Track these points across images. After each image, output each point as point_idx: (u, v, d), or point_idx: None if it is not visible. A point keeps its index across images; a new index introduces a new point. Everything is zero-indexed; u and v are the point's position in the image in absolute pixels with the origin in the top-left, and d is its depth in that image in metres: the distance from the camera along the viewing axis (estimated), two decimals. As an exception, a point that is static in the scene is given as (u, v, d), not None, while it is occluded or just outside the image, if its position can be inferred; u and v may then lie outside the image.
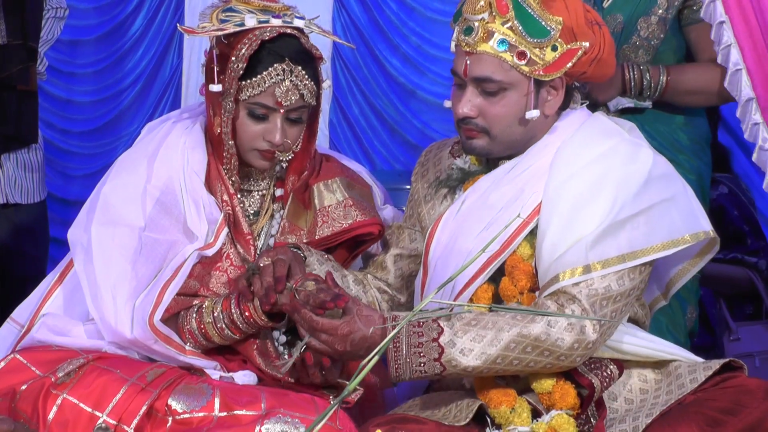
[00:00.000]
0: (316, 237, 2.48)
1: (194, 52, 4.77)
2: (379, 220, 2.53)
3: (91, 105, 4.83)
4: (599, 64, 2.28)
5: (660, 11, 2.80)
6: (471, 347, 2.09)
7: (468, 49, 2.25)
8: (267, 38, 2.32)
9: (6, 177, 3.42)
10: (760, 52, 2.53)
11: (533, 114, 2.25)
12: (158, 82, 4.83)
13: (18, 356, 2.22)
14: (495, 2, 2.22)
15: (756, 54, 2.53)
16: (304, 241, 2.46)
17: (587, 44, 2.24)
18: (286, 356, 2.31)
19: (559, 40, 2.23)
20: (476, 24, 2.23)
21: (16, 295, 2.52)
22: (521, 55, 2.22)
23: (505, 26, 2.22)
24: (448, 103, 2.37)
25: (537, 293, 2.23)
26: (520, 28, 2.21)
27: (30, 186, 3.51)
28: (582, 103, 2.38)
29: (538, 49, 2.22)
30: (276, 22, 2.35)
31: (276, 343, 2.35)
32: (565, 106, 2.34)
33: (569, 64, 2.24)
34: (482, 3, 2.22)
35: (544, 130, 2.32)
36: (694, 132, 2.91)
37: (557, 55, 2.23)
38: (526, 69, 2.23)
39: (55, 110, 4.85)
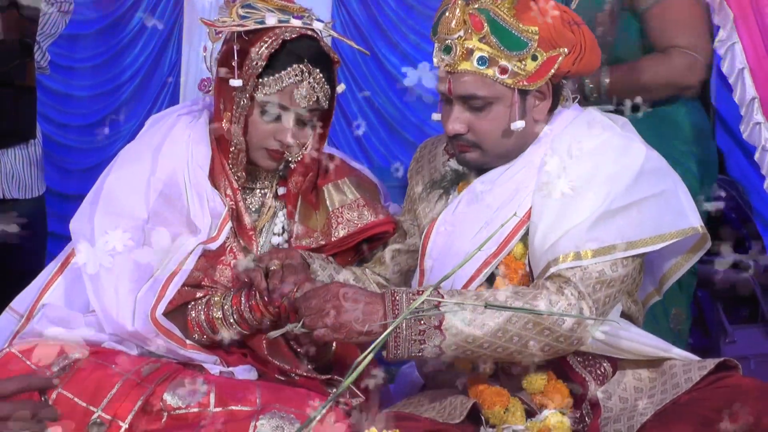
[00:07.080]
0: (332, 239, 2.48)
1: (193, 47, 4.76)
2: (391, 219, 2.53)
3: (90, 99, 4.81)
4: (582, 61, 2.28)
5: (607, 5, 2.74)
6: (473, 317, 2.08)
7: (449, 69, 2.24)
8: (288, 38, 2.31)
9: (4, 172, 3.41)
10: (759, 52, 2.54)
11: (518, 125, 2.25)
12: (157, 77, 4.81)
13: (13, 350, 2.22)
14: (469, 19, 2.21)
15: (756, 54, 2.54)
16: (321, 242, 2.47)
17: (566, 50, 2.23)
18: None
19: (538, 49, 2.22)
20: (454, 43, 2.23)
21: (13, 289, 2.51)
22: (503, 69, 2.22)
23: (482, 42, 2.22)
24: (436, 116, 2.36)
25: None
26: (497, 42, 2.21)
27: (28, 181, 3.50)
28: (574, 98, 2.38)
29: (518, 61, 2.22)
30: (296, 22, 2.35)
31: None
32: (554, 106, 2.33)
33: (552, 71, 2.24)
34: (456, 21, 2.21)
35: (536, 134, 2.31)
36: (693, 117, 2.87)
37: (538, 64, 2.23)
38: (509, 81, 2.23)
39: (54, 104, 4.84)
